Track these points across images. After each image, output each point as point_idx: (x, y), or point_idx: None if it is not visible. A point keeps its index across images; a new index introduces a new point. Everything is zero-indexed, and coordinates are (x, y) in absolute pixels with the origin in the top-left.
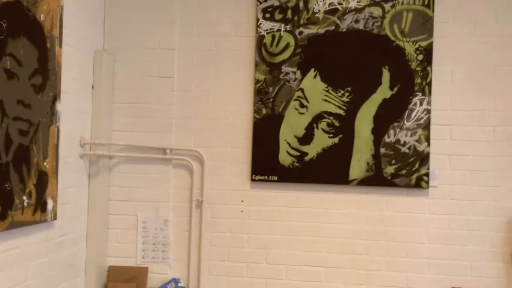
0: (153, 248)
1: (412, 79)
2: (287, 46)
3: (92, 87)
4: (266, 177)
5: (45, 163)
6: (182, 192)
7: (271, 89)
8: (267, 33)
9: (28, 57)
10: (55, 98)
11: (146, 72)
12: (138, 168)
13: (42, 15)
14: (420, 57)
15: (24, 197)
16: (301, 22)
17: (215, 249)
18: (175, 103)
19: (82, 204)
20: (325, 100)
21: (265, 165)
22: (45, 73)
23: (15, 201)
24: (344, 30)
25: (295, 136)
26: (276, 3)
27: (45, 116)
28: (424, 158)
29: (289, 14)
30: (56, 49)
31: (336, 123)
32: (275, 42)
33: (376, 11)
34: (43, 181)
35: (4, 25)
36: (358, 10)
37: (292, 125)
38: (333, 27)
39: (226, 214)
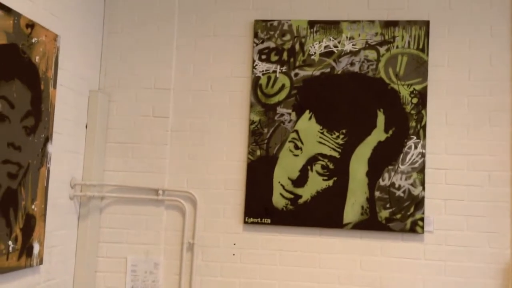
0: None
1: (406, 122)
2: (282, 87)
3: (86, 127)
4: (259, 219)
5: (33, 206)
6: (174, 234)
7: (265, 130)
8: (262, 74)
9: (21, 99)
10: (47, 139)
11: (141, 112)
12: (130, 209)
13: (37, 57)
14: (415, 100)
15: (10, 242)
16: (297, 64)
17: None
18: (169, 143)
19: (70, 247)
20: (320, 142)
21: (259, 207)
22: (38, 114)
23: (0, 247)
24: (339, 72)
25: (289, 178)
26: (272, 45)
27: (36, 158)
28: (419, 203)
29: (285, 56)
30: (50, 90)
31: (331, 166)
32: (270, 83)
33: (371, 54)
34: (30, 225)
35: None
36: (353, 53)
37: (286, 167)
38: (328, 69)
39: (218, 258)
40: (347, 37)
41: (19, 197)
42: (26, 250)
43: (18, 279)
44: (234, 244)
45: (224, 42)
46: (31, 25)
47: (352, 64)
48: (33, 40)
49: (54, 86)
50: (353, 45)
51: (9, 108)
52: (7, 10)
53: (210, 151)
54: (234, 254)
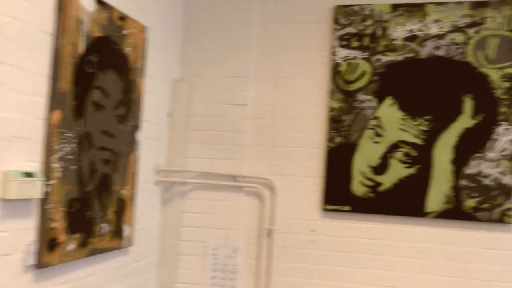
0: (222, 276)
1: (496, 107)
2: (363, 73)
3: (169, 115)
4: (338, 207)
5: (124, 191)
6: (253, 220)
7: (345, 117)
8: (343, 61)
9: (114, 89)
10: (136, 127)
11: (221, 100)
12: (210, 195)
13: (128, 48)
14: (507, 84)
15: (104, 224)
16: (379, 49)
17: (285, 279)
18: (248, 130)
19: (154, 230)
20: (402, 129)
21: (338, 194)
22: (128, 103)
23: (95, 229)
24: (424, 57)
25: (370, 166)
26: (353, 31)
27: (126, 145)
28: (508, 192)
29: (366, 41)
30: (138, 80)
31: (413, 153)
32: (350, 69)
33: (459, 37)
34: (121, 208)
35: (95, 59)
36: (439, 37)
37: (366, 154)
38: (412, 54)
39: (296, 244)
40: (432, 20)
41: (112, 182)
42: (117, 232)
43: (111, 259)
44: (313, 231)
45: (303, 29)
46: (123, 17)
47: (437, 48)
48: (124, 32)
49: (142, 76)
50: (439, 28)
51: (104, 97)
52: (103, 4)
53: (288, 138)
54: (312, 241)
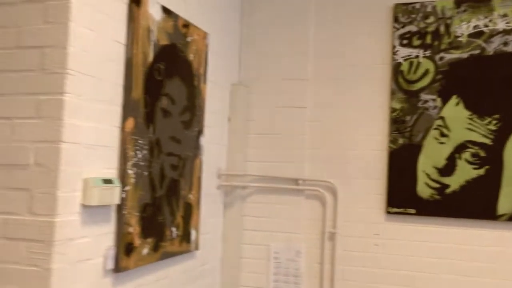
0: (285, 280)
1: None
2: (426, 72)
3: (228, 119)
4: (402, 209)
5: (190, 195)
6: (314, 223)
7: (408, 117)
8: (404, 60)
9: (180, 95)
10: (200, 132)
11: (279, 103)
12: (271, 198)
13: (191, 55)
14: None
15: (173, 229)
16: (442, 47)
17: (349, 283)
18: (307, 133)
19: (217, 234)
20: (469, 129)
21: (402, 197)
22: (193, 109)
23: (166, 233)
24: (491, 53)
25: (435, 167)
26: (414, 29)
27: (191, 150)
28: None
29: (428, 39)
30: (201, 86)
31: (482, 153)
32: (412, 69)
33: None
34: (188, 213)
35: (162, 67)
36: (507, 32)
37: (431, 156)
38: (478, 51)
39: (360, 248)
40: (499, 15)
41: (180, 187)
42: (185, 236)
43: (180, 263)
44: (376, 234)
45: (361, 29)
46: (186, 25)
47: (505, 43)
48: (188, 39)
49: (205, 82)
50: (506, 23)
51: (171, 104)
52: (168, 12)
53: (349, 140)
54: (376, 245)
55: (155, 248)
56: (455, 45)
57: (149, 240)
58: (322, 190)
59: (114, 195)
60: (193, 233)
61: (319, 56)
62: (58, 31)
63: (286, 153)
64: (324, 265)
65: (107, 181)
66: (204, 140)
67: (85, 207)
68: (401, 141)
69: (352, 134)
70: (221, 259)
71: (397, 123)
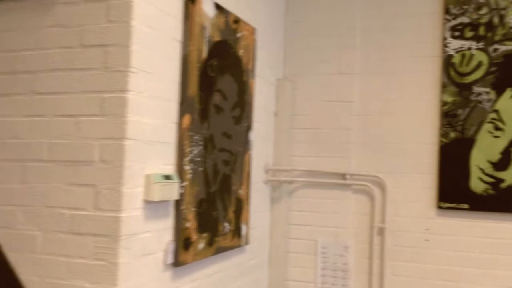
0: (332, 274)
1: None
2: (479, 65)
3: (275, 114)
4: (455, 204)
5: (240, 190)
6: (362, 218)
7: (460, 111)
8: (456, 52)
9: (231, 91)
10: (249, 127)
11: (325, 98)
12: (318, 193)
13: (241, 51)
14: None
15: (226, 224)
16: (496, 38)
17: (398, 278)
18: (354, 127)
19: (265, 229)
20: None
21: (454, 192)
22: (242, 105)
23: (219, 228)
24: None
25: (489, 161)
26: (467, 20)
27: (241, 145)
28: None
29: (481, 30)
30: (250, 81)
31: None
32: (465, 61)
33: None
34: (239, 208)
35: (215, 63)
36: None
37: (485, 150)
38: None
39: (410, 243)
40: None
41: (231, 182)
42: (237, 231)
43: (231, 257)
44: (427, 229)
45: (410, 21)
46: (237, 21)
47: None
48: (238, 35)
49: (253, 77)
50: None
51: (223, 100)
52: (220, 9)
53: (398, 134)
54: (427, 240)
55: (210, 242)
56: (509, 37)
57: (205, 235)
58: (370, 184)
59: (173, 190)
60: (243, 228)
61: (366, 49)
62: (121, 30)
63: (333, 148)
64: (373, 260)
65: (167, 177)
66: (252, 135)
67: (147, 202)
68: (452, 135)
69: (401, 128)
70: (269, 253)
71: (448, 116)
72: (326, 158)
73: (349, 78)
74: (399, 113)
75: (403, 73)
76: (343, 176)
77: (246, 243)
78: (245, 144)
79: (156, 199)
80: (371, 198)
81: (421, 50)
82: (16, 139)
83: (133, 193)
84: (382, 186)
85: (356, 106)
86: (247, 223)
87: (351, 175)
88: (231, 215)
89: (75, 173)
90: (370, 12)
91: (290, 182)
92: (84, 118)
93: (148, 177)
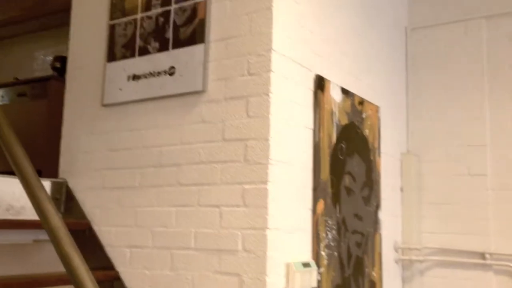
0: None
1: None
2: None
3: (401, 190)
4: None
5: (373, 272)
6: None
7: None
8: None
9: (359, 172)
10: (378, 206)
11: (455, 171)
12: (453, 273)
13: (367, 130)
14: None
15: None
16: None
17: None
18: (491, 202)
19: None
20: None
21: None
22: (370, 184)
23: None
24: None
25: None
26: None
27: (371, 225)
28: None
29: None
30: (376, 159)
31: None
32: None
33: None
34: None
35: (344, 146)
36: None
37: None
38: None
39: None
40: None
41: (364, 265)
42: None
43: None
44: None
45: None
46: (361, 102)
47: None
48: (363, 115)
49: (379, 155)
50: None
51: (353, 181)
52: (346, 92)
53: None
54: None
55: None
56: None
57: None
58: None
59: (312, 278)
60: None
61: (497, 119)
62: (260, 124)
63: (467, 225)
64: None
65: (306, 265)
66: (381, 214)
67: None
68: None
69: None
70: None
71: None
72: (460, 235)
73: (480, 150)
74: None
75: None
76: (482, 255)
77: None
78: (375, 223)
79: (297, 287)
80: None
81: None
82: (164, 228)
83: (275, 283)
84: None
85: (491, 179)
86: None
87: (491, 254)
88: None
89: (220, 261)
90: (498, 83)
91: (422, 261)
92: (227, 208)
93: (288, 265)
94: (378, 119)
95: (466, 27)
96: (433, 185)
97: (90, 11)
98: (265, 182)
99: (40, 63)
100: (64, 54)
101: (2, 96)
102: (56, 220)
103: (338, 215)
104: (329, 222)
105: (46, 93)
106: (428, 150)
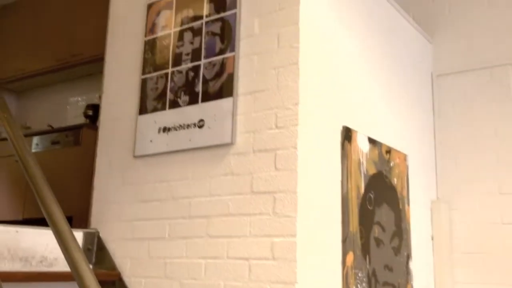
0: None
1: None
2: None
3: (432, 239)
4: None
5: None
6: None
7: None
8: None
9: (388, 221)
10: (408, 256)
11: (487, 219)
12: None
13: (395, 179)
14: None
15: None
16: None
17: None
18: None
19: None
20: None
21: None
22: (400, 233)
23: None
24: None
25: None
26: None
27: (403, 276)
28: None
29: None
30: (406, 208)
31: None
32: None
33: None
34: None
35: (372, 196)
36: None
37: None
38: None
39: None
40: None
41: None
42: None
43: None
44: None
45: None
46: (389, 151)
47: None
48: (391, 164)
49: (408, 203)
50: None
51: (382, 232)
52: (373, 142)
53: None
54: None
55: None
56: None
57: None
58: None
59: None
60: None
61: None
62: (288, 177)
63: (505, 275)
64: None
65: None
66: (412, 265)
67: None
68: None
69: None
70: None
71: None
72: (494, 285)
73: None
74: None
75: None
76: None
77: None
78: (406, 274)
79: None
80: None
81: None
82: (194, 280)
83: None
84: None
85: None
86: None
87: None
88: None
89: None
90: None
91: None
92: (256, 261)
93: None
94: (406, 167)
95: (492, 73)
96: (465, 234)
97: (123, 64)
98: (293, 235)
99: (73, 111)
100: (95, 102)
101: (37, 144)
102: (87, 272)
103: (368, 267)
104: (359, 274)
105: (78, 141)
106: (459, 198)
